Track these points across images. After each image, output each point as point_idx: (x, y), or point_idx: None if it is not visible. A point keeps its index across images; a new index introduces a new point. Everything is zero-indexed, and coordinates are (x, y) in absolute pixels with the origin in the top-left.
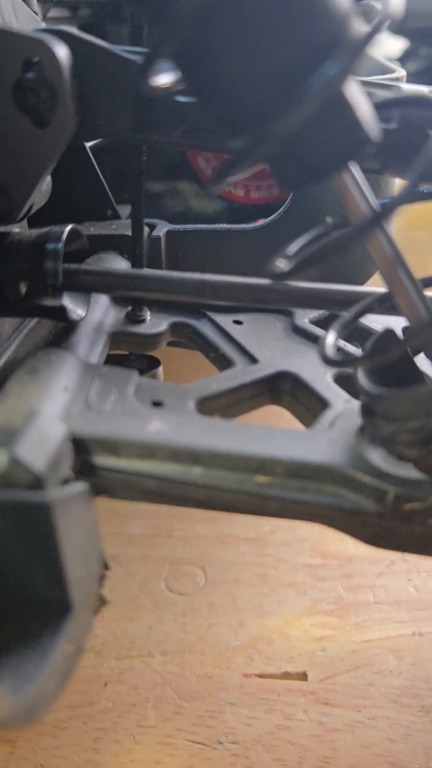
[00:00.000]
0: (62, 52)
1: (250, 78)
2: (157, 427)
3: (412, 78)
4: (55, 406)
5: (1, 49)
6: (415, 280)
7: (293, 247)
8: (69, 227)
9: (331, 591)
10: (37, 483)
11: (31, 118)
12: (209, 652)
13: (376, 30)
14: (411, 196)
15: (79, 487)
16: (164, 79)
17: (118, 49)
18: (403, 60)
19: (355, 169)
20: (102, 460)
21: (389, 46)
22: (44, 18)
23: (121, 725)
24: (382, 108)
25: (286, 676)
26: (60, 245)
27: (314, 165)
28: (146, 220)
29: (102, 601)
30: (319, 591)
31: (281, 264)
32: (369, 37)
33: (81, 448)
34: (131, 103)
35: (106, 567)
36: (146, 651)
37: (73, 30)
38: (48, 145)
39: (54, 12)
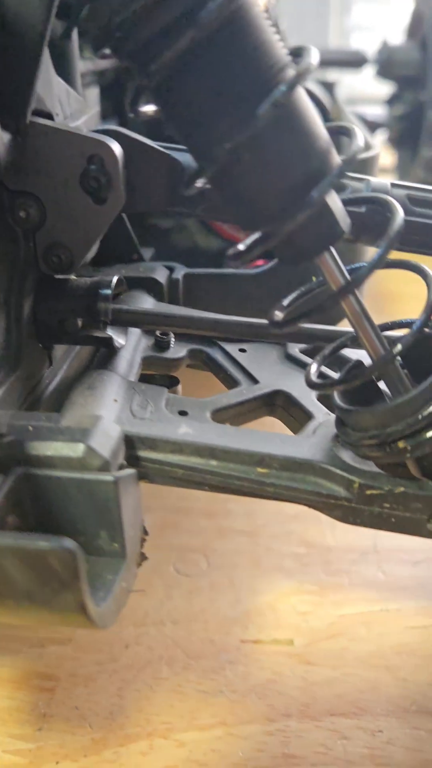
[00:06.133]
0: (117, 149)
1: (263, 194)
2: (184, 430)
3: (399, 120)
4: (110, 414)
5: (73, 147)
6: (376, 328)
7: (286, 301)
8: (116, 277)
9: (313, 575)
10: (105, 466)
11: (92, 198)
12: (211, 622)
13: (349, 163)
14: (370, 271)
15: (131, 471)
16: (200, 183)
17: (156, 144)
18: (390, 102)
19: (333, 251)
20: (144, 453)
21: (379, 89)
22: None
23: (140, 678)
24: (354, 203)
25: (276, 642)
26: (110, 291)
27: (305, 249)
28: (166, 264)
29: (143, 557)
30: (303, 575)
31: (278, 314)
32: (345, 168)
33: (129, 444)
34: (166, 186)
35: (145, 533)
36: (159, 620)
37: (124, 130)
38: (103, 217)
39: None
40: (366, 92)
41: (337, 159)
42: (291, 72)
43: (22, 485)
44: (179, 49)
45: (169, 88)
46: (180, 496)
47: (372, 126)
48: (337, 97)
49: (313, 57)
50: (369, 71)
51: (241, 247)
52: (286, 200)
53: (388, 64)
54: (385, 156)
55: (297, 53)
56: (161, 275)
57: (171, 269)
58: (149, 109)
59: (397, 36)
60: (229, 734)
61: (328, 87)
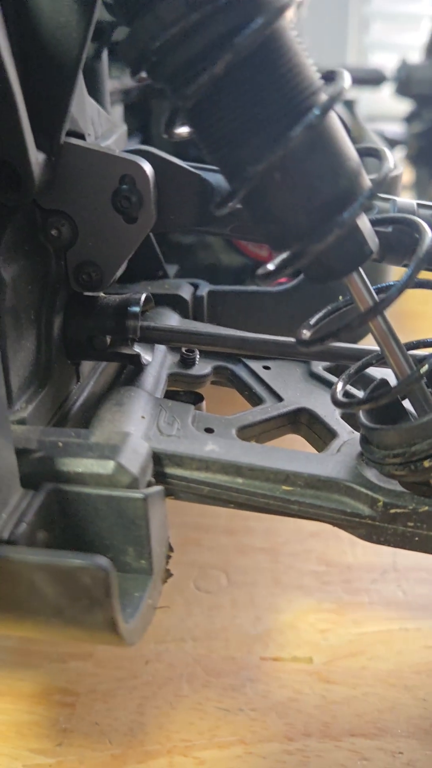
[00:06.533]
0: (149, 169)
1: (294, 214)
2: (210, 448)
3: (417, 138)
4: (139, 430)
5: (105, 167)
6: (402, 347)
7: (313, 320)
8: (145, 295)
9: (333, 593)
10: (134, 483)
11: (123, 217)
12: (232, 639)
13: (380, 184)
14: (399, 292)
15: (159, 488)
16: (231, 203)
17: (185, 164)
18: (409, 120)
19: (362, 271)
20: (171, 470)
21: (397, 107)
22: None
23: (161, 695)
24: (381, 223)
25: (295, 659)
26: (139, 308)
27: (334, 269)
28: (190, 280)
29: (168, 574)
30: (322, 593)
31: (305, 333)
32: (376, 189)
33: (156, 461)
34: (196, 205)
35: (171, 549)
36: (179, 637)
37: (155, 150)
38: (134, 236)
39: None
40: (384, 110)
41: (367, 180)
42: (323, 95)
43: (52, 501)
44: (215, 72)
45: (204, 109)
46: (200, 512)
47: (390, 143)
48: (357, 114)
49: (346, 80)
50: (388, 89)
51: (270, 266)
52: (317, 220)
53: (406, 82)
54: (403, 173)
55: (329, 76)
56: (186, 292)
57: (195, 286)
58: (183, 131)
59: (415, 55)
60: (248, 753)
61: (348, 104)
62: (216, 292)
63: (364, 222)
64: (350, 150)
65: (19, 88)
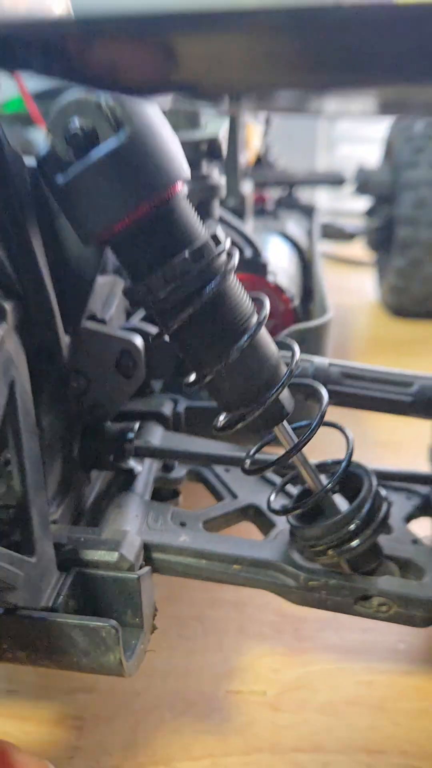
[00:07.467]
0: (140, 343)
1: (237, 392)
2: (183, 539)
3: (376, 231)
4: (134, 527)
5: (111, 344)
6: (315, 471)
7: (252, 450)
8: (137, 425)
9: (285, 640)
10: (131, 568)
11: (123, 375)
12: (204, 676)
13: (292, 373)
14: (308, 437)
15: (148, 568)
16: (195, 387)
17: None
18: (369, 214)
19: (285, 422)
20: (156, 555)
21: (358, 203)
22: None
23: (149, 719)
24: (296, 386)
25: (252, 692)
26: (133, 435)
27: (266, 424)
28: (171, 396)
29: (155, 627)
30: (276, 640)
31: (246, 461)
32: (289, 378)
33: (146, 548)
34: (173, 364)
35: (156, 609)
36: (164, 674)
37: (145, 326)
38: (130, 387)
39: None
40: (345, 207)
41: (283, 369)
42: (253, 321)
43: (77, 580)
44: (189, 312)
45: (179, 332)
46: None
47: (350, 235)
48: (315, 220)
49: (266, 308)
50: (348, 189)
51: (221, 419)
52: (251, 398)
53: (364, 184)
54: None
55: (258, 301)
56: (168, 408)
57: (175, 402)
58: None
59: (375, 152)
60: (214, 764)
61: (308, 211)
62: (191, 407)
63: (284, 394)
64: (272, 349)
65: (54, 295)
